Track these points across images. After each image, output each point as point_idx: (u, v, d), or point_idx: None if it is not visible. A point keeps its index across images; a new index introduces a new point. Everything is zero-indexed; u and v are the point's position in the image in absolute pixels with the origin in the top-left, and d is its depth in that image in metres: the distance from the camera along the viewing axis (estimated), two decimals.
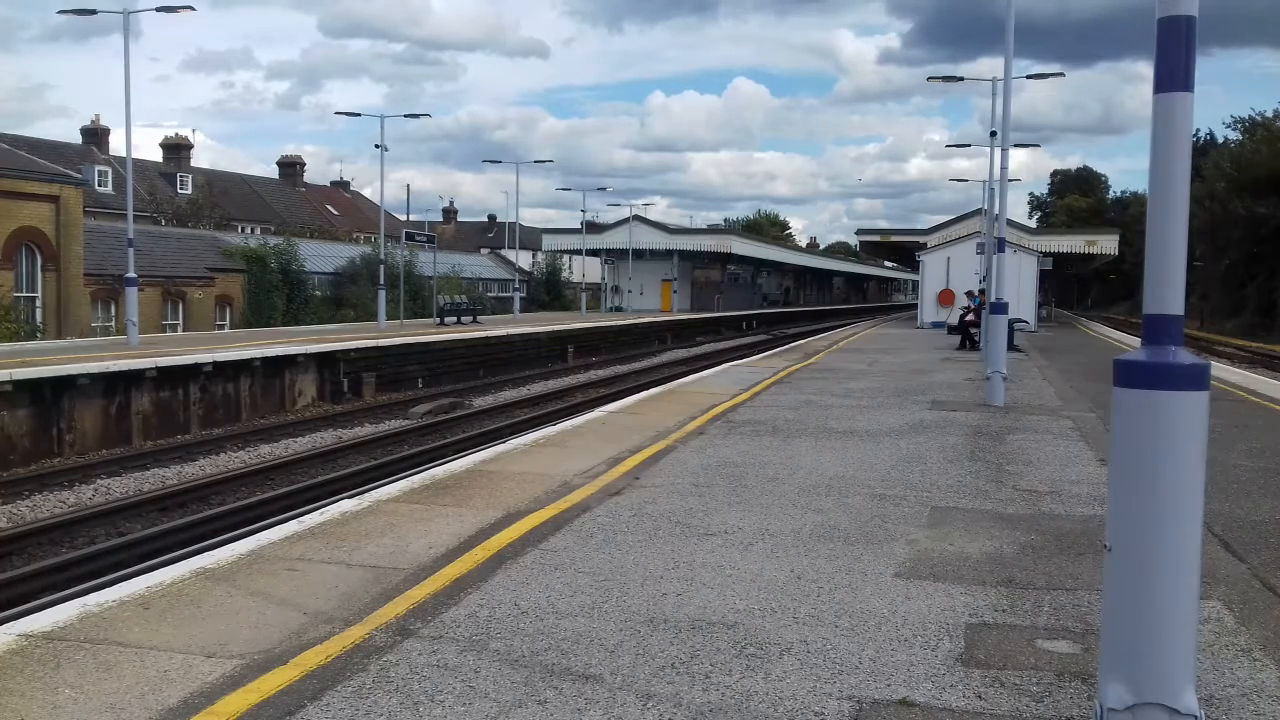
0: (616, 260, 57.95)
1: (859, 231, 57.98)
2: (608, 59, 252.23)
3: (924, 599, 5.20)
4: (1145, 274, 3.24)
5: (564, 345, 33.66)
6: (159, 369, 17.25)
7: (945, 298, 40.77)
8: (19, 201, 31.05)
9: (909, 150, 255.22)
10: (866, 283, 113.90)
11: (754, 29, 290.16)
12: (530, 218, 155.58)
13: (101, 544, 10.24)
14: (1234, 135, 59.86)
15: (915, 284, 61.74)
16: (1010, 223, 26.07)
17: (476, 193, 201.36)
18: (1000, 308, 15.86)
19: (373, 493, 8.01)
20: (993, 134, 24.31)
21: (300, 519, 7.01)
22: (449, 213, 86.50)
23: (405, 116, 36.46)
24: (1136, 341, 5.30)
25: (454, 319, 35.38)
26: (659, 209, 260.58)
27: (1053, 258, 45.36)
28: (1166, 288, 3.21)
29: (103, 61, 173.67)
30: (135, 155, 35.72)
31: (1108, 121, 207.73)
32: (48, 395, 15.38)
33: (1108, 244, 47.07)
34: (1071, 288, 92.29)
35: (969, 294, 30.85)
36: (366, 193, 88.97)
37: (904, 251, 55.95)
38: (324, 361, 22.04)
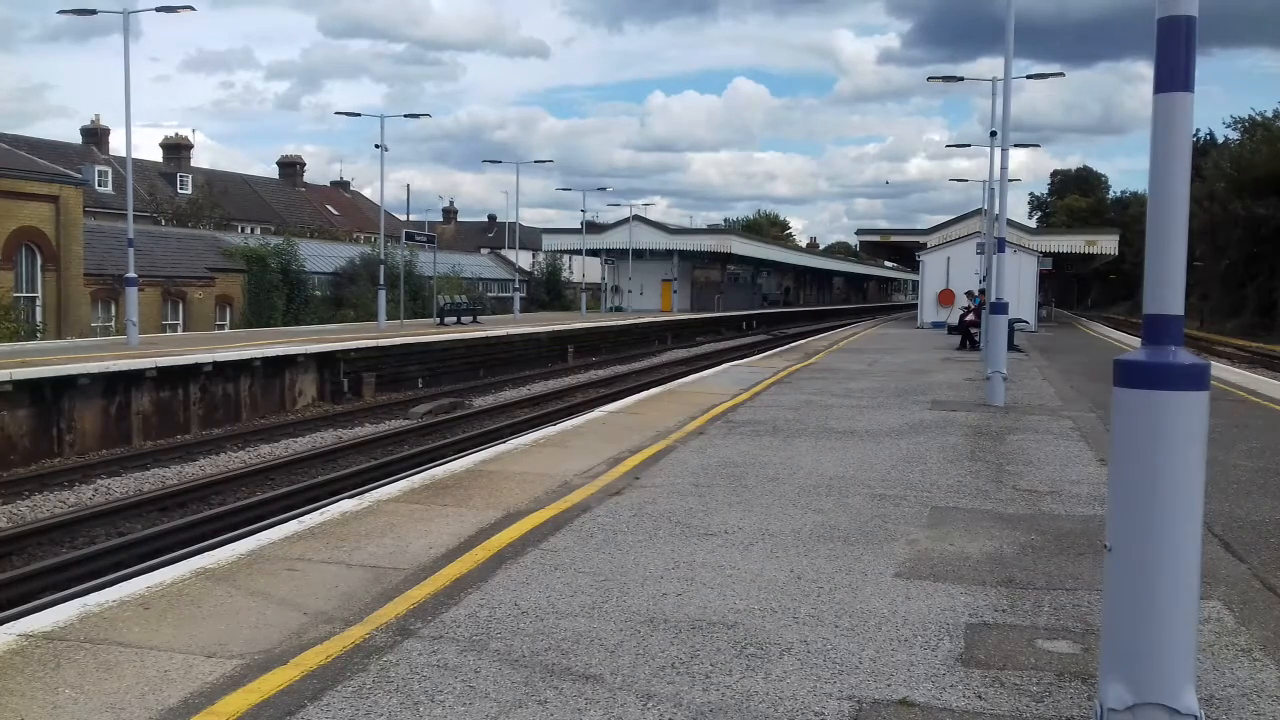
0: (616, 260, 57.95)
1: (859, 231, 58.02)
2: (608, 59, 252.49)
3: (924, 599, 5.20)
4: (1145, 274, 3.24)
5: (564, 345, 33.66)
6: (159, 369, 17.25)
7: (945, 298, 40.76)
8: (19, 201, 31.06)
9: (909, 150, 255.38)
10: (866, 283, 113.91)
11: (754, 29, 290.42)
12: (530, 218, 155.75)
13: (101, 544, 10.24)
14: (1234, 135, 59.92)
15: (915, 284, 61.75)
16: (1010, 223, 26.06)
17: (476, 193, 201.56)
18: (1000, 308, 15.86)
19: (373, 493, 8.01)
20: (993, 134, 24.32)
21: (300, 519, 7.01)
22: (449, 213, 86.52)
23: (405, 116, 36.49)
24: (1136, 341, 5.30)
25: (454, 319, 35.38)
26: (659, 209, 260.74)
27: (1053, 258, 45.39)
28: (1166, 288, 3.21)
29: (103, 61, 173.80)
30: (135, 155, 35.74)
31: (1108, 121, 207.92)
32: (48, 395, 15.38)
33: (1108, 244, 47.07)
34: (1071, 288, 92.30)
35: (969, 294, 30.86)
36: (366, 193, 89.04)
37: (904, 251, 55.95)
38: (324, 361, 22.04)
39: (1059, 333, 40.24)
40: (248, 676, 4.11)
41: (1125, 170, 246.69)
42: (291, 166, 72.56)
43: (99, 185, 49.01)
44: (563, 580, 5.46)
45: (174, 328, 36.99)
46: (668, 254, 56.97)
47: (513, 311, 45.91)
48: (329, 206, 72.33)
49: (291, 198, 69.38)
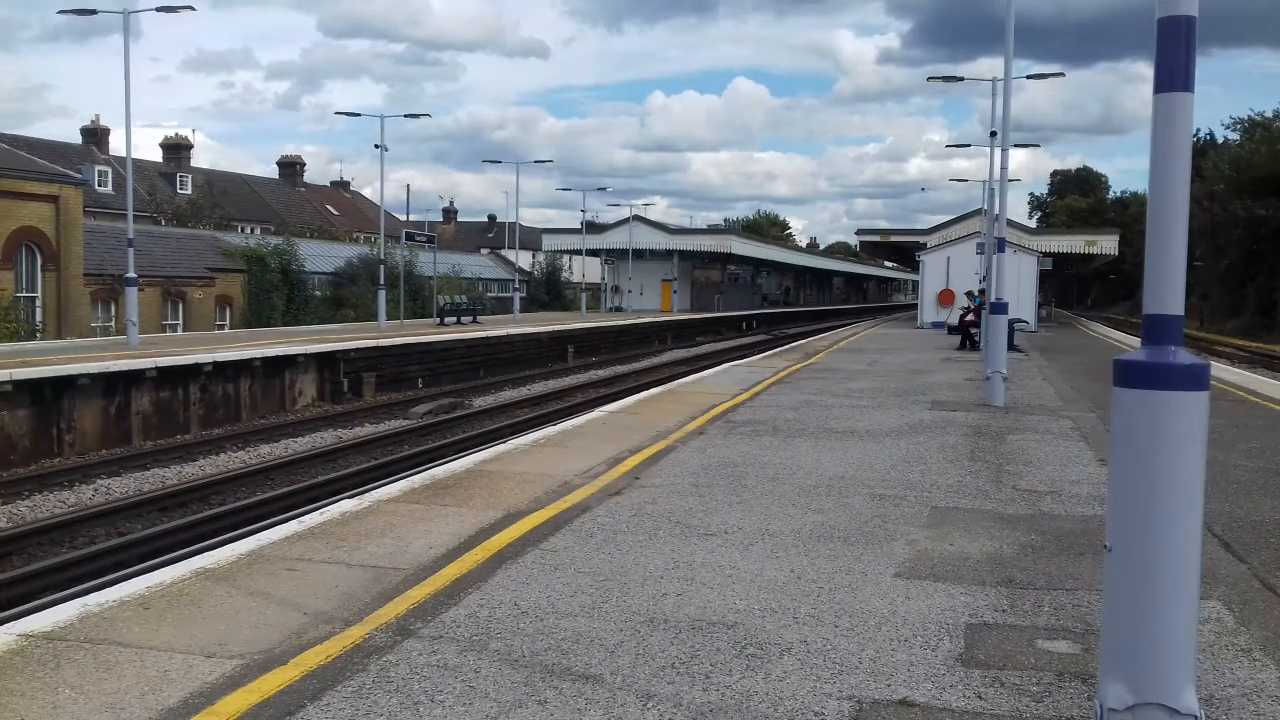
0: (616, 260, 57.95)
1: (859, 231, 58.00)
2: (608, 59, 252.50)
3: (924, 599, 5.20)
4: (1145, 274, 3.24)
5: (564, 345, 33.66)
6: (159, 369, 17.25)
7: (945, 298, 40.77)
8: (19, 201, 31.06)
9: (909, 150, 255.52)
10: (866, 283, 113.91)
11: (754, 29, 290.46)
12: (530, 218, 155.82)
13: (101, 544, 10.24)
14: (1233, 137, 59.90)
15: (915, 284, 61.74)
16: (1010, 223, 26.07)
17: (476, 193, 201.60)
18: (1000, 308, 15.86)
19: (373, 493, 8.01)
20: (993, 134, 24.32)
21: (300, 519, 7.01)
22: (449, 213, 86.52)
23: (405, 116, 36.51)
24: (1136, 341, 5.30)
25: (454, 319, 35.38)
26: (659, 209, 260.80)
27: (1053, 258, 45.36)
28: (1166, 288, 3.21)
29: (103, 61, 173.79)
30: (135, 155, 35.74)
31: (1108, 121, 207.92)
32: (48, 395, 15.38)
33: (1108, 244, 47.07)
34: (1071, 288, 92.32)
35: (969, 294, 30.85)
36: (366, 193, 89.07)
37: (904, 251, 55.94)
38: (324, 361, 22.03)
39: (1059, 333, 40.24)
40: (248, 676, 4.11)
41: (1125, 170, 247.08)
42: (291, 166, 72.56)
43: (99, 185, 49.01)
44: (563, 580, 5.46)
45: (174, 328, 37.00)
46: (668, 254, 56.97)
47: (513, 311, 45.91)
48: (329, 206, 72.32)
49: (291, 198, 69.38)
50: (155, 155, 60.95)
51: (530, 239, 64.48)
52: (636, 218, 56.56)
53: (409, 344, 25.44)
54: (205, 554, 6.11)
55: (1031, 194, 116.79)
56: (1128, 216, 73.63)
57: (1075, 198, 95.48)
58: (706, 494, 7.72)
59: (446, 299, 39.07)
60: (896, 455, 9.60)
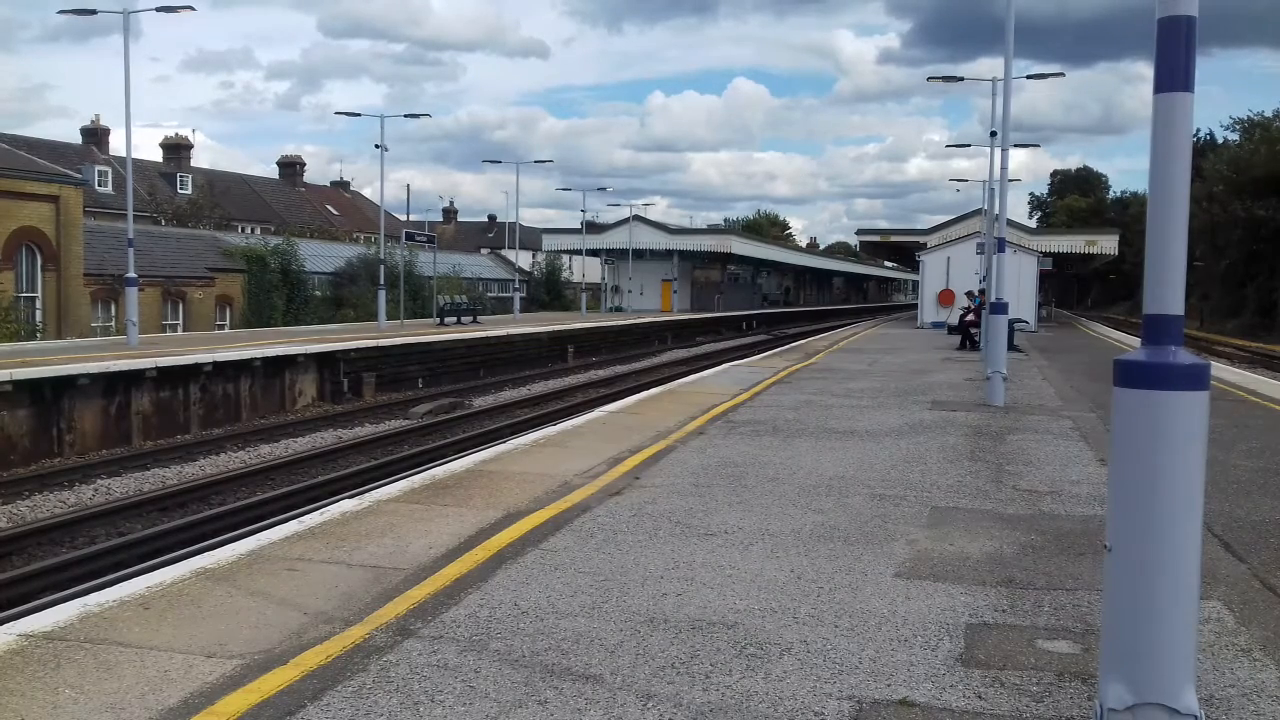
0: (616, 260, 57.95)
1: (859, 231, 58.00)
2: (608, 59, 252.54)
3: (924, 599, 5.20)
4: (1145, 274, 3.24)
5: (564, 345, 33.66)
6: (159, 369, 17.25)
7: (945, 298, 40.76)
8: (19, 201, 31.06)
9: (909, 150, 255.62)
10: (866, 283, 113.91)
11: (754, 29, 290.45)
12: (530, 218, 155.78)
13: (101, 544, 10.24)
14: (1233, 137, 59.88)
15: (915, 284, 61.74)
16: (1010, 223, 26.06)
17: (476, 193, 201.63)
18: (1000, 308, 15.86)
19: (373, 493, 8.01)
20: (993, 134, 24.31)
21: (300, 519, 7.01)
22: (449, 213, 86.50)
23: (405, 116, 36.51)
24: (1136, 341, 5.29)
25: (454, 319, 35.38)
26: (659, 209, 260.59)
27: (1053, 258, 45.40)
28: (1166, 288, 3.21)
29: (103, 61, 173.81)
30: (135, 155, 35.74)
31: (1108, 121, 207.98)
32: (48, 395, 15.37)
33: (1108, 244, 47.08)
34: (1071, 288, 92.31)
35: (969, 294, 30.85)
36: (366, 193, 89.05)
37: (904, 251, 55.96)
38: (324, 361, 22.03)
39: (1059, 333, 40.24)
40: (248, 676, 4.11)
41: (1125, 170, 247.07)
42: (291, 166, 72.55)
43: (99, 185, 49.00)
44: (563, 580, 5.46)
45: (174, 328, 36.99)
46: (668, 254, 56.97)
47: (513, 311, 45.91)
48: (329, 206, 72.32)
49: (291, 198, 69.37)
50: (155, 155, 61.02)
51: (530, 239, 64.48)
52: (636, 218, 56.57)
53: (409, 344, 25.44)
54: (205, 554, 6.12)
55: (1031, 194, 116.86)
56: (1128, 216, 73.67)
57: (1075, 198, 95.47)
58: (706, 494, 7.72)
59: (446, 299, 39.08)
60: (897, 455, 9.60)
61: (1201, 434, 3.17)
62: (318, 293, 44.72)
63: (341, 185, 78.44)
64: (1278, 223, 47.55)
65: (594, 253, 57.59)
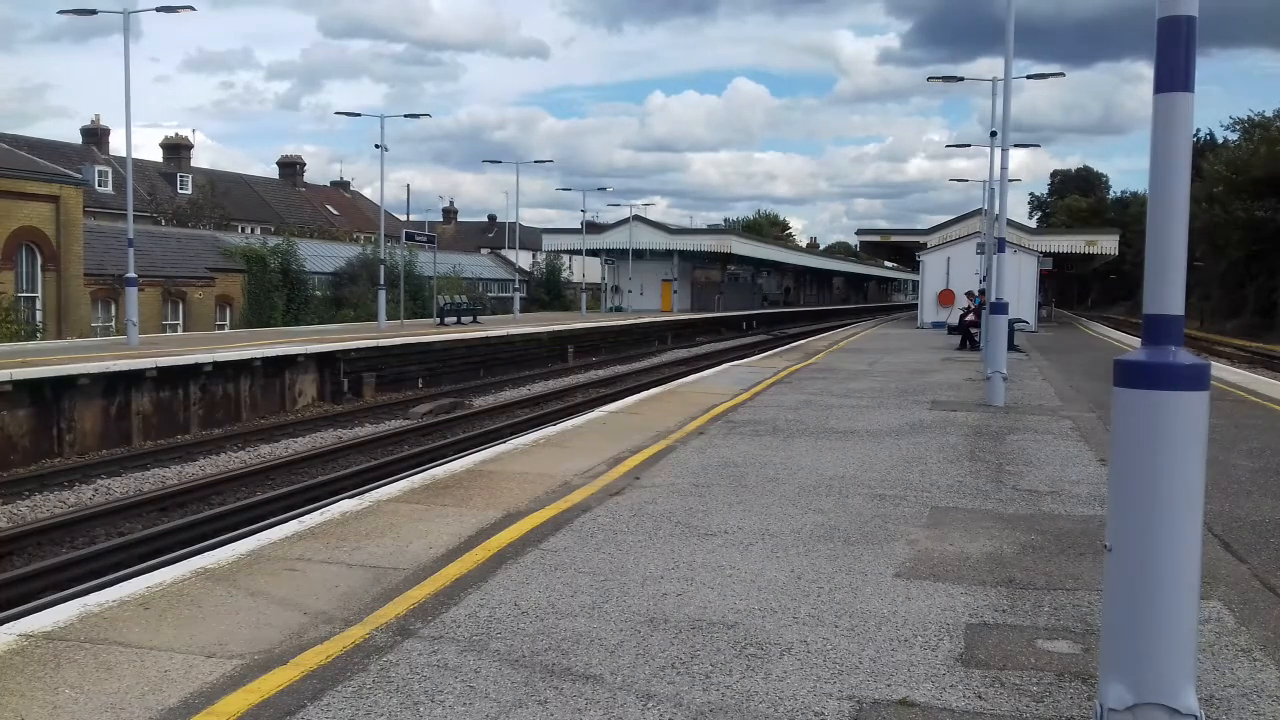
0: (616, 260, 57.93)
1: (859, 231, 57.94)
2: (608, 59, 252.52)
3: (924, 599, 5.20)
4: (1145, 274, 3.24)
5: (564, 345, 33.66)
6: (159, 369, 17.25)
7: (945, 298, 40.75)
8: (19, 201, 31.07)
9: (909, 150, 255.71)
10: (866, 283, 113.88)
11: (753, 29, 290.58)
12: (530, 218, 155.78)
13: (101, 544, 10.24)
14: (1233, 137, 59.84)
15: (915, 284, 61.72)
16: (1010, 223, 26.07)
17: (476, 193, 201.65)
18: (1000, 308, 15.86)
19: (373, 493, 8.01)
20: (993, 134, 24.33)
21: (300, 519, 7.01)
22: (449, 213, 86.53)
23: (405, 116, 36.51)
24: (1137, 341, 5.29)
25: (454, 319, 35.38)
26: (659, 209, 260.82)
27: (1053, 258, 45.37)
28: (1166, 288, 3.20)
29: (103, 61, 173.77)
30: (135, 155, 35.76)
31: (1108, 121, 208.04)
32: (48, 395, 15.38)
33: (1108, 244, 47.06)
34: (1071, 288, 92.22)
35: (969, 294, 30.84)
36: (366, 193, 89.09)
37: (904, 251, 55.94)
38: (324, 361, 22.03)
39: (1059, 333, 40.23)
40: (248, 676, 4.11)
41: (1125, 170, 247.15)
42: (291, 166, 72.57)
43: (99, 185, 49.00)
44: (563, 580, 5.46)
45: (174, 328, 37.00)
46: (668, 254, 56.96)
47: (513, 311, 45.91)
48: (329, 206, 72.32)
49: (291, 198, 69.38)
50: (155, 155, 61.06)
51: (530, 239, 64.48)
52: (636, 218, 56.55)
53: (409, 344, 25.44)
54: (205, 554, 6.12)
55: (1031, 194, 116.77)
56: (1128, 216, 73.57)
57: (1075, 198, 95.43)
58: (707, 494, 7.72)
59: (446, 299, 39.08)
60: (896, 455, 9.60)
61: (1202, 434, 3.17)
62: (318, 293, 44.74)
63: (341, 185, 78.46)
64: (1278, 223, 47.52)
65: (594, 253, 57.59)
